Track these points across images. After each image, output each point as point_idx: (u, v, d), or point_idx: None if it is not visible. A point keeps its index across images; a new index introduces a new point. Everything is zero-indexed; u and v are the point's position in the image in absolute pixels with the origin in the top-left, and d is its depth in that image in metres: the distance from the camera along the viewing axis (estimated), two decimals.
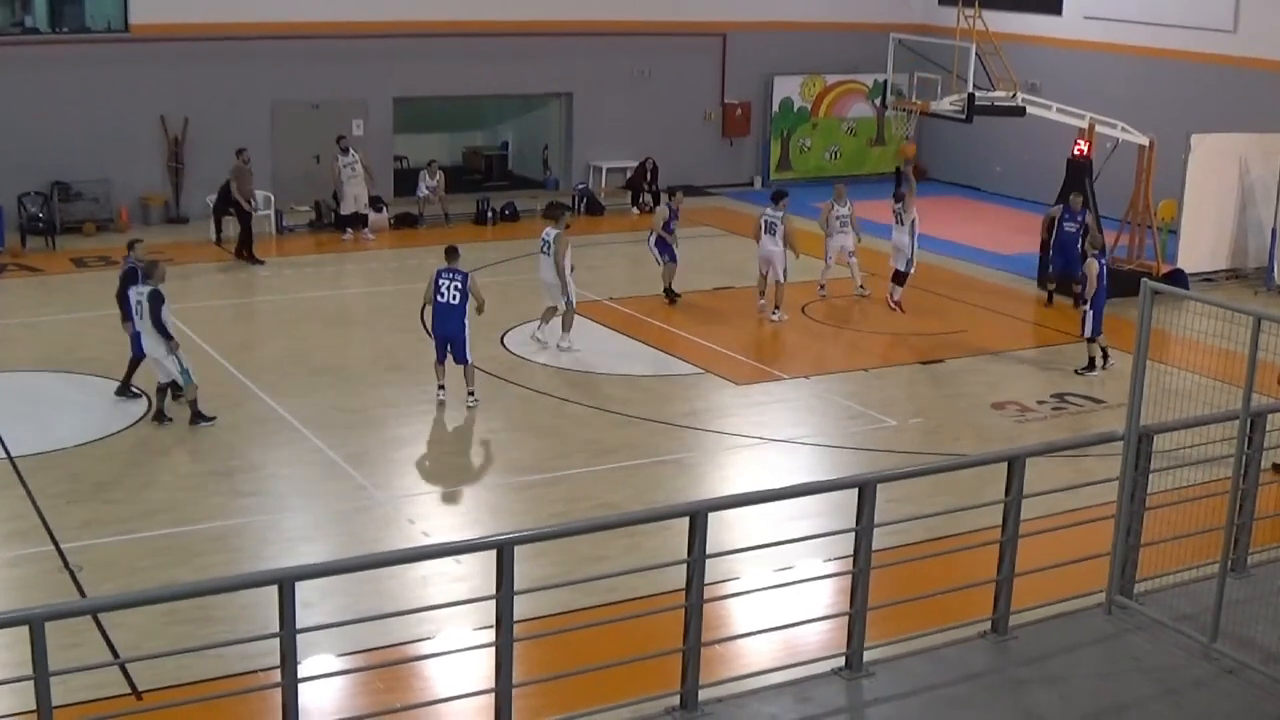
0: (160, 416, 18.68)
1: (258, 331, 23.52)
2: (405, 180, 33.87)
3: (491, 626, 9.00)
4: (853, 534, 10.15)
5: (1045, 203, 28.51)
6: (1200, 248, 27.27)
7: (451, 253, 19.76)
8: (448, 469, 18.07)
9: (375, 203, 31.20)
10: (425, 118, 35.83)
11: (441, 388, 19.66)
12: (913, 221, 24.03)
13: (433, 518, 16.15)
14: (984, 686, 10.41)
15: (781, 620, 11.44)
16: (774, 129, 37.85)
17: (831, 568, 13.20)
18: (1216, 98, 30.23)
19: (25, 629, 7.77)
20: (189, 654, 11.83)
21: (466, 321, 19.42)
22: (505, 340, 22.74)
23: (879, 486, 10.18)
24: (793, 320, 23.53)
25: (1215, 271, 27.63)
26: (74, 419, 18.76)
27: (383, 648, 12.45)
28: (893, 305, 24.07)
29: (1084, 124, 26.95)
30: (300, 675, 8.56)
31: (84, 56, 30.40)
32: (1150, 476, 11.18)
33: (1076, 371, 21.58)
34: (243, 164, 28.43)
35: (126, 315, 19.09)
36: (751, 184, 37.44)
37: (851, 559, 10.25)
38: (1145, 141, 26.76)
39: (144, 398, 19.17)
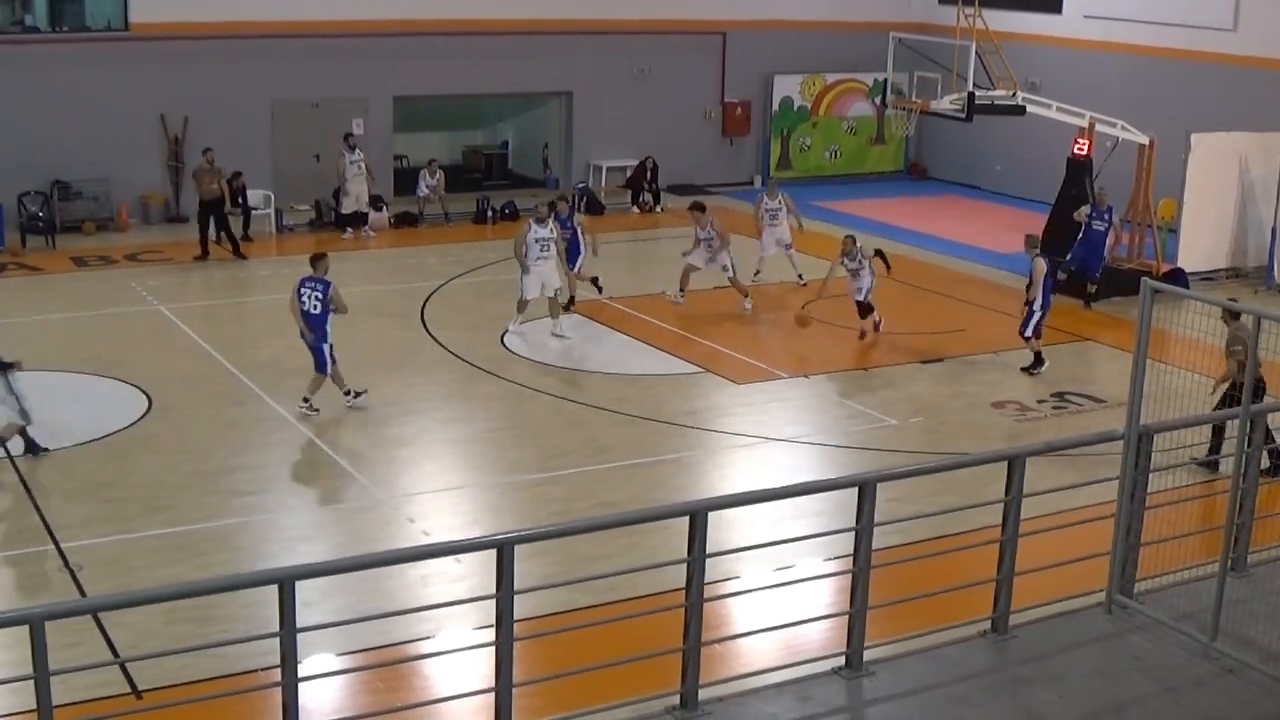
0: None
1: (257, 330, 23.48)
2: (405, 179, 33.88)
3: (491, 626, 8.99)
4: (853, 533, 10.15)
5: (1045, 201, 28.51)
6: (1200, 247, 27.26)
7: (316, 260, 19.43)
8: (447, 468, 18.07)
9: (376, 202, 31.19)
10: (425, 117, 35.84)
11: (347, 393, 19.39)
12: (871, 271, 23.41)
13: (432, 517, 16.15)
14: (984, 686, 10.40)
15: (781, 619, 11.43)
16: (774, 128, 37.85)
17: (831, 567, 13.20)
18: (1216, 96, 30.23)
19: (25, 628, 7.77)
20: (189, 653, 11.82)
21: (328, 330, 19.08)
22: (505, 339, 22.73)
23: (879, 486, 10.17)
24: (792, 319, 23.50)
25: (1215, 270, 27.62)
26: (74, 418, 18.75)
27: (383, 647, 12.45)
28: (866, 332, 23.46)
29: (1084, 123, 26.95)
30: (300, 675, 8.56)
31: (84, 55, 30.39)
32: (1150, 475, 11.18)
33: (1023, 369, 21.50)
34: (207, 164, 28.41)
35: None
36: (751, 183, 37.42)
37: (851, 558, 10.24)
38: (1145, 140, 26.75)
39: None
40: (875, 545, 10.20)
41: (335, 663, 12.11)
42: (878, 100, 37.17)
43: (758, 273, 26.39)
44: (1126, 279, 24.31)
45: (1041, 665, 10.59)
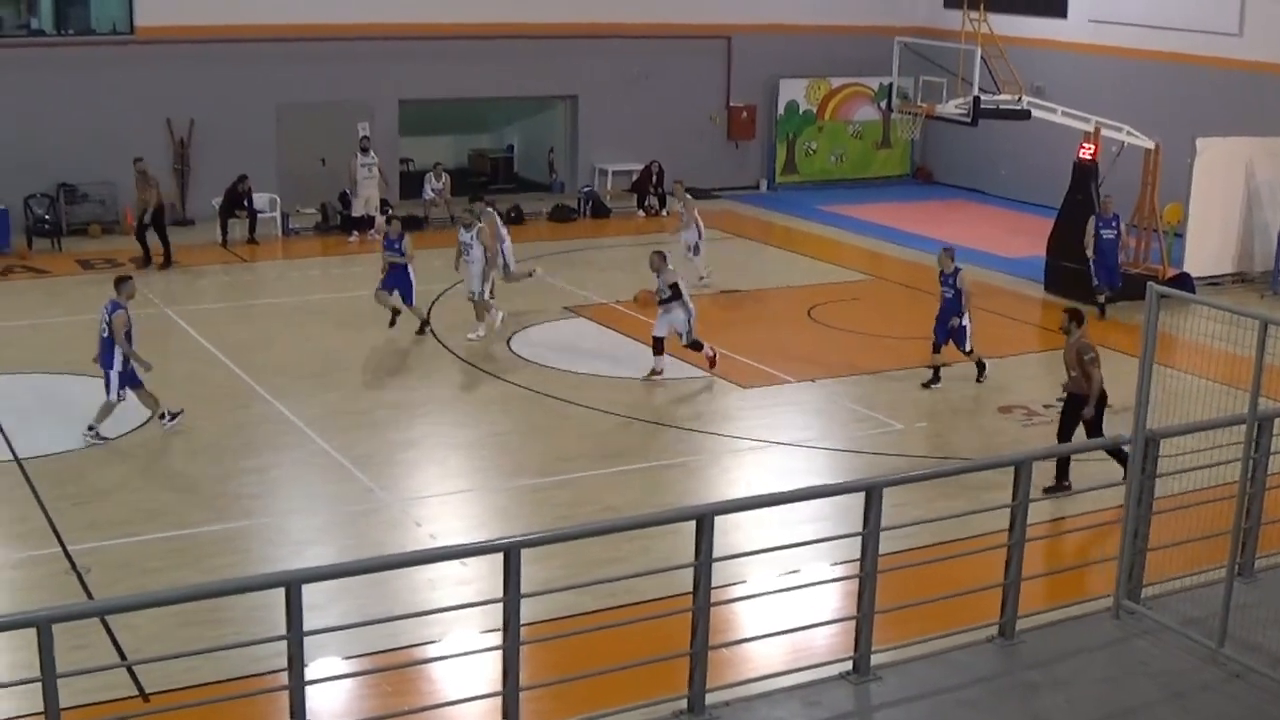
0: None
1: (264, 333, 23.51)
2: (411, 183, 33.92)
3: (499, 629, 9.01)
4: (859, 538, 10.16)
5: (1051, 206, 28.47)
6: (1206, 251, 27.28)
7: (117, 283, 18.81)
8: (454, 472, 18.08)
9: (384, 206, 31.18)
10: (431, 120, 35.84)
11: (162, 416, 18.71)
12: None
13: (439, 520, 16.16)
14: (991, 690, 10.41)
15: (789, 624, 11.45)
16: (779, 132, 37.85)
17: (839, 571, 13.21)
18: (1222, 101, 30.22)
19: (33, 631, 7.78)
20: (196, 656, 11.81)
21: (115, 355, 18.25)
22: (511, 343, 22.75)
23: (885, 490, 10.19)
24: (799, 323, 23.53)
25: (1221, 275, 27.62)
26: (80, 421, 18.75)
27: (390, 650, 12.44)
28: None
29: (1089, 127, 26.95)
30: (308, 678, 8.58)
31: (89, 58, 30.44)
32: (1157, 480, 11.19)
33: (978, 381, 21.38)
34: (139, 172, 28.19)
35: None
36: (757, 187, 37.48)
37: (859, 562, 10.25)
38: (1151, 145, 26.74)
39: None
40: (882, 549, 10.22)
41: (343, 666, 12.11)
42: (883, 104, 37.19)
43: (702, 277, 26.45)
44: (1133, 284, 24.27)
45: (1049, 670, 10.60)
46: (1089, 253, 25.33)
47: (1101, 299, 25.13)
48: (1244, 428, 10.78)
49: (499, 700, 9.13)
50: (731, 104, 37.15)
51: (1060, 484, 16.12)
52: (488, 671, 10.16)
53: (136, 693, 11.93)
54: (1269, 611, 10.94)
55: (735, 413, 20.07)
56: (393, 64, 32.81)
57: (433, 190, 32.43)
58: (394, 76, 33.03)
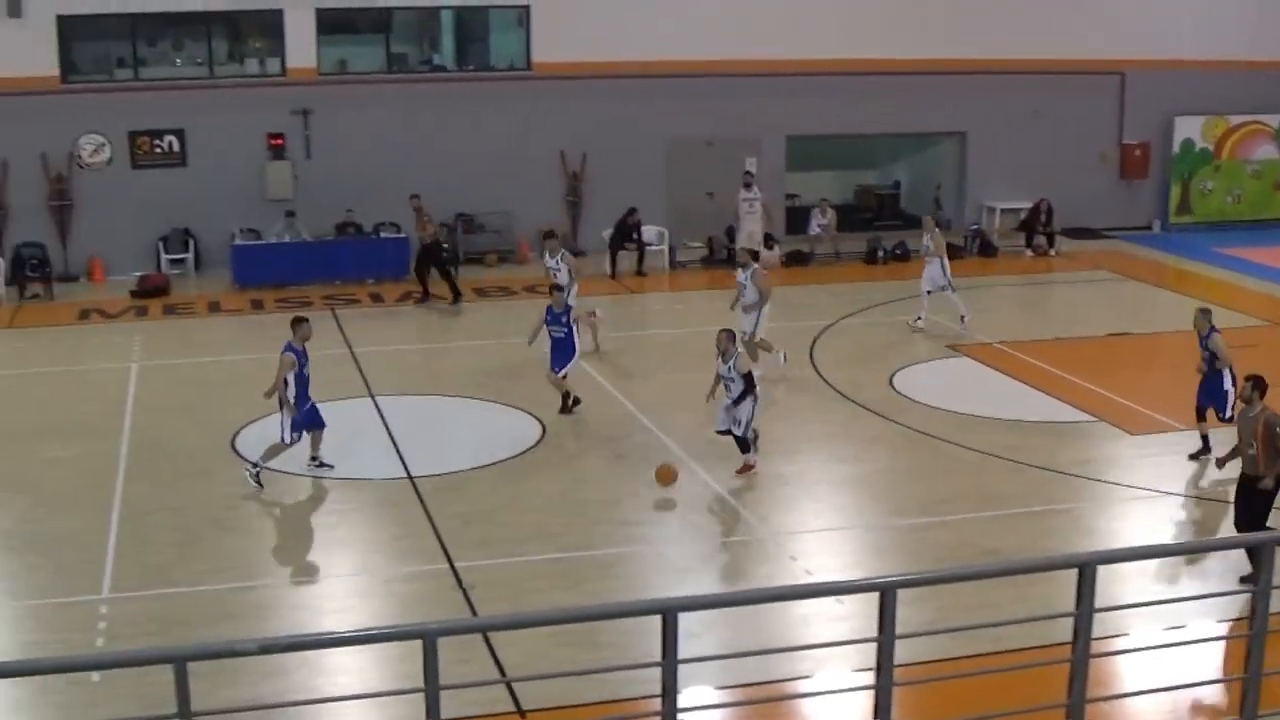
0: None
1: (648, 363, 23.94)
2: (797, 218, 34.07)
3: (871, 669, 8.92)
4: (1250, 594, 9.69)
5: None
6: None
7: (293, 324, 18.43)
8: (831, 508, 18.00)
9: (768, 240, 31.41)
10: (817, 155, 35.94)
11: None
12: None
13: (814, 556, 16.11)
14: None
15: (1171, 680, 11.00)
16: (1174, 171, 36.58)
17: (1226, 629, 12.64)
18: None
19: (419, 643, 8.07)
20: (573, 677, 12.06)
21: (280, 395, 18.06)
22: (894, 381, 22.57)
23: None
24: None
25: None
26: (471, 443, 19.43)
27: (762, 683, 12.45)
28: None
29: None
30: (680, 705, 8.64)
31: (487, 93, 31.68)
32: None
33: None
34: (414, 209, 28.84)
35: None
36: (1150, 227, 36.31)
37: (1248, 621, 9.78)
38: None
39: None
40: (1275, 608, 9.71)
41: (714, 695, 12.19)
42: None
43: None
44: None
45: None
46: None
47: None
48: None
49: None
50: (1124, 141, 36.11)
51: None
52: (858, 711, 10.07)
53: (514, 709, 12.25)
54: None
55: (1123, 459, 19.42)
56: (780, 100, 33.05)
57: (819, 226, 32.53)
58: (781, 112, 33.27)
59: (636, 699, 11.44)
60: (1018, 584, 13.26)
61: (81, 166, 31.00)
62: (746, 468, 18.49)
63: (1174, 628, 12.63)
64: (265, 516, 17.24)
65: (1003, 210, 35.16)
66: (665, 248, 31.72)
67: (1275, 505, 14.69)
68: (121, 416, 20.99)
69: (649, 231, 31.46)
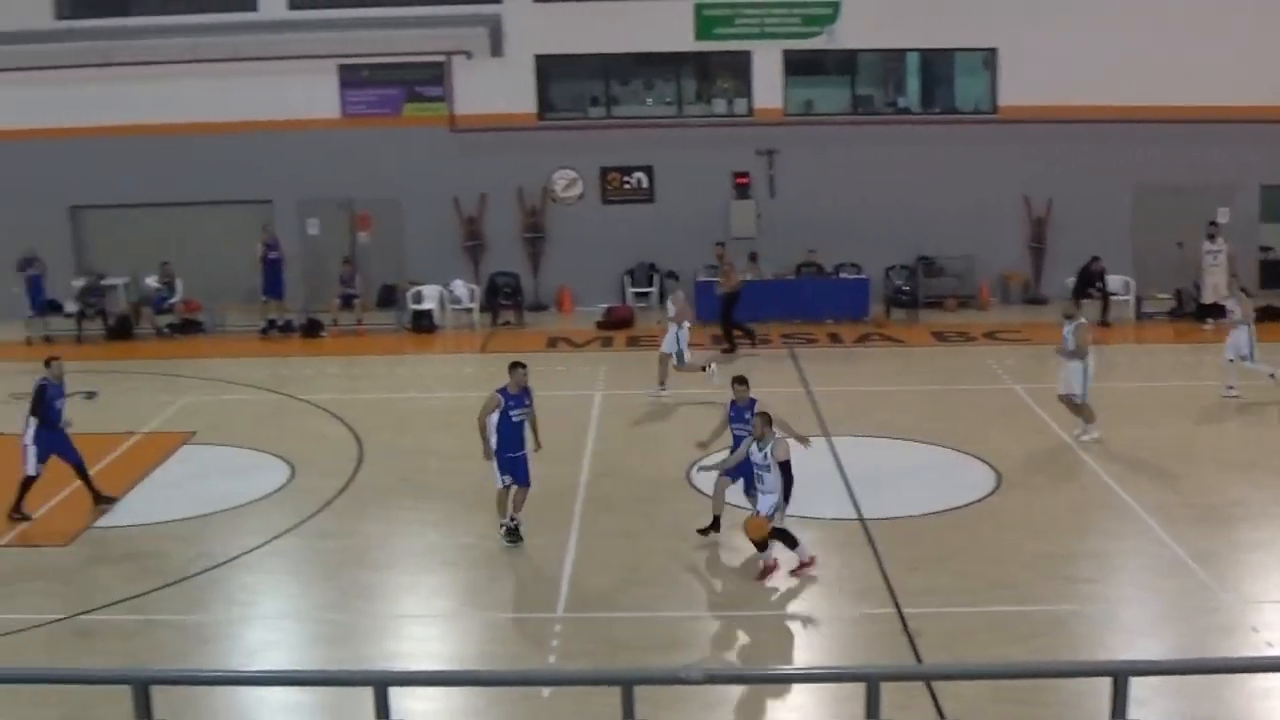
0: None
1: (1115, 416, 23.08)
2: (1272, 271, 32.45)
3: None
4: None
5: None
6: None
7: (511, 367, 17.92)
8: None
9: (1235, 290, 30.01)
10: None
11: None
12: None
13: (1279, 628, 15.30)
14: None
15: None
16: None
17: None
18: None
19: (862, 685, 8.07)
20: None
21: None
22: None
23: None
24: None
25: None
26: (924, 487, 19.30)
27: None
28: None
29: None
30: None
31: (953, 136, 31.52)
32: None
33: None
34: (717, 257, 28.66)
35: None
36: None
37: None
38: None
39: None
40: None
41: None
42: None
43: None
44: None
45: None
46: None
47: None
48: None
49: None
50: None
51: None
52: None
53: None
54: None
55: None
56: (1254, 147, 31.59)
57: None
58: (1255, 159, 31.79)
59: None
60: None
61: (555, 200, 32.39)
62: (766, 570, 16.40)
63: None
64: (713, 548, 17.54)
65: None
66: (1131, 298, 30.78)
67: None
68: (584, 442, 21.77)
69: (1114, 280, 30.60)
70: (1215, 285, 29.74)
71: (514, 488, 17.57)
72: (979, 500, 19.01)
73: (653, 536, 17.82)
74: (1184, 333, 29.52)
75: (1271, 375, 23.84)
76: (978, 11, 31.39)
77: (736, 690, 13.01)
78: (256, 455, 21.29)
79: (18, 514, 18.80)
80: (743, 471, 17.13)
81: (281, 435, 22.51)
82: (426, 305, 31.21)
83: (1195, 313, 30.18)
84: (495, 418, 17.48)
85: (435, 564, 17.26)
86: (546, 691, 13.12)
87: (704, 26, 31.57)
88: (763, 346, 28.14)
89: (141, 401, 25.01)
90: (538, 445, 17.75)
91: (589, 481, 20.05)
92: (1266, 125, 31.32)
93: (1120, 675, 8.18)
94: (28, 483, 18.86)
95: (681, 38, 31.61)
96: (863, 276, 30.91)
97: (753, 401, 17.54)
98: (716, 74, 32.89)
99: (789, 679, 12.65)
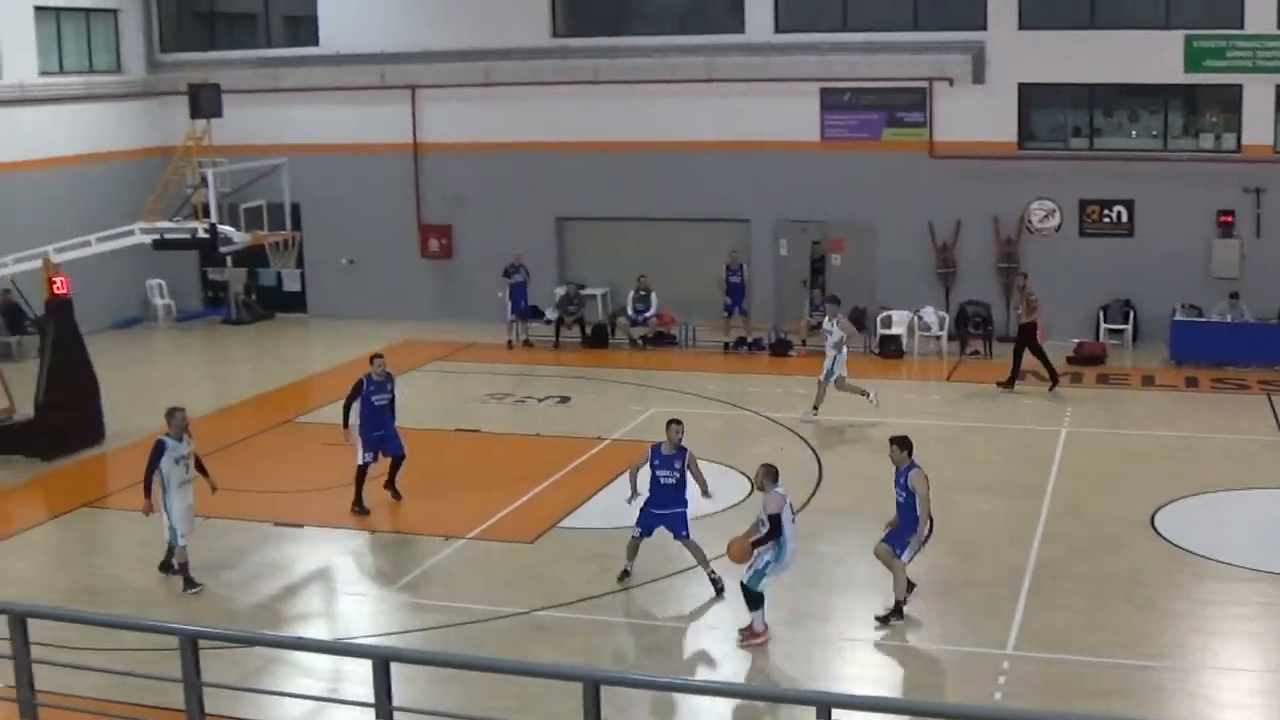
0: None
1: None
2: None
3: None
4: None
5: None
6: None
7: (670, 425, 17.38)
8: None
9: None
10: None
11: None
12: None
13: None
14: None
15: None
16: None
17: None
18: None
19: None
20: None
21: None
22: None
23: None
24: None
25: None
26: None
27: None
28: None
29: None
30: None
31: None
32: None
33: None
34: (1017, 289, 28.08)
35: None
36: None
37: None
38: None
39: None
40: None
41: None
42: None
43: None
44: None
45: None
46: None
47: None
48: None
49: None
50: None
51: None
52: None
53: None
54: None
55: None
56: None
57: None
58: None
59: None
60: None
61: (1031, 231, 31.86)
62: (752, 635, 15.59)
63: None
64: (1172, 598, 16.94)
65: None
66: None
67: None
68: (1046, 478, 21.38)
69: None
70: None
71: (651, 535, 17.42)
72: None
73: (1110, 579, 17.39)
74: None
75: None
76: None
77: None
78: (718, 468, 21.76)
79: (358, 507, 20.33)
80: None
81: (743, 451, 22.91)
82: (895, 330, 31.25)
83: None
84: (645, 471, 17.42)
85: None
86: None
87: (1194, 58, 30.39)
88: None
89: (611, 408, 25.96)
90: (706, 493, 17.66)
91: (1048, 518, 19.69)
92: None
93: None
94: (360, 473, 20.40)
95: (1170, 69, 30.50)
96: None
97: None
98: (1205, 107, 31.63)
99: None
